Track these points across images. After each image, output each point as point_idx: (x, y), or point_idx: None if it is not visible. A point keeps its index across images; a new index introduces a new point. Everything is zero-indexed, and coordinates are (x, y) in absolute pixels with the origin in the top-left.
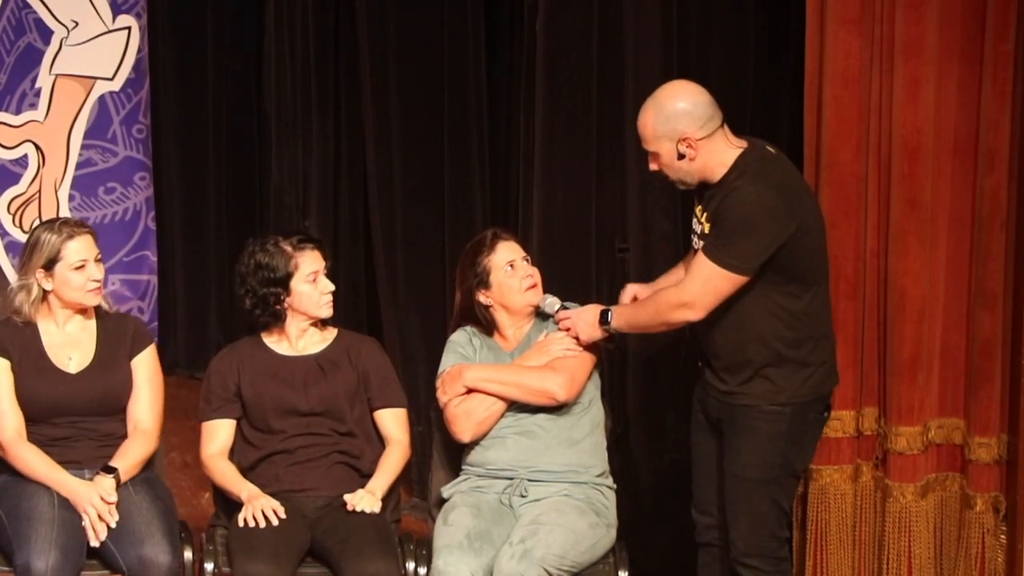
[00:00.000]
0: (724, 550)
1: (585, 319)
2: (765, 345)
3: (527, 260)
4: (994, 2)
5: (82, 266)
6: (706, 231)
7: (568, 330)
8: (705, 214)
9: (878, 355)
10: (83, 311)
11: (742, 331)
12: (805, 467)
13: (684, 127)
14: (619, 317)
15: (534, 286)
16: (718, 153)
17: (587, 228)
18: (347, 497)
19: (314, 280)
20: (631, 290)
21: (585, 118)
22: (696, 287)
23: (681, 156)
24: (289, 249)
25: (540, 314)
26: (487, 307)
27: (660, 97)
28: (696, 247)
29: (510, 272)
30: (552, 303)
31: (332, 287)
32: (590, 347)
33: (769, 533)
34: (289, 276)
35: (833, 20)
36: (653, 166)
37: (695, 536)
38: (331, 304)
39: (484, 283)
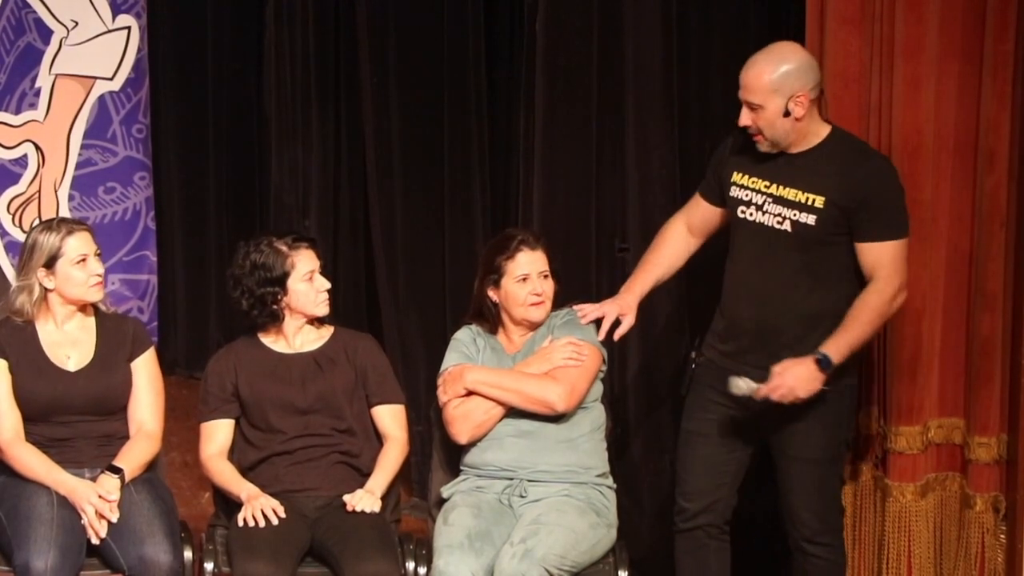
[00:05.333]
0: (712, 535)
1: (800, 375)
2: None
3: (545, 275)
4: (994, 2)
5: (83, 260)
6: (815, 204)
7: (784, 395)
8: (789, 189)
9: (878, 355)
10: (83, 309)
11: (830, 294)
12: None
13: (801, 85)
14: (839, 351)
15: (540, 303)
16: (815, 122)
17: (587, 228)
18: (346, 497)
19: (310, 279)
20: (613, 314)
21: (585, 117)
22: (898, 269)
23: (787, 114)
24: (284, 249)
25: (734, 398)
26: (495, 304)
27: (779, 51)
28: (749, 217)
29: (520, 283)
30: (748, 385)
31: (328, 285)
32: (593, 356)
33: (838, 508)
34: (286, 275)
35: (833, 20)
36: (747, 120)
37: (677, 523)
38: (327, 302)
39: (495, 282)
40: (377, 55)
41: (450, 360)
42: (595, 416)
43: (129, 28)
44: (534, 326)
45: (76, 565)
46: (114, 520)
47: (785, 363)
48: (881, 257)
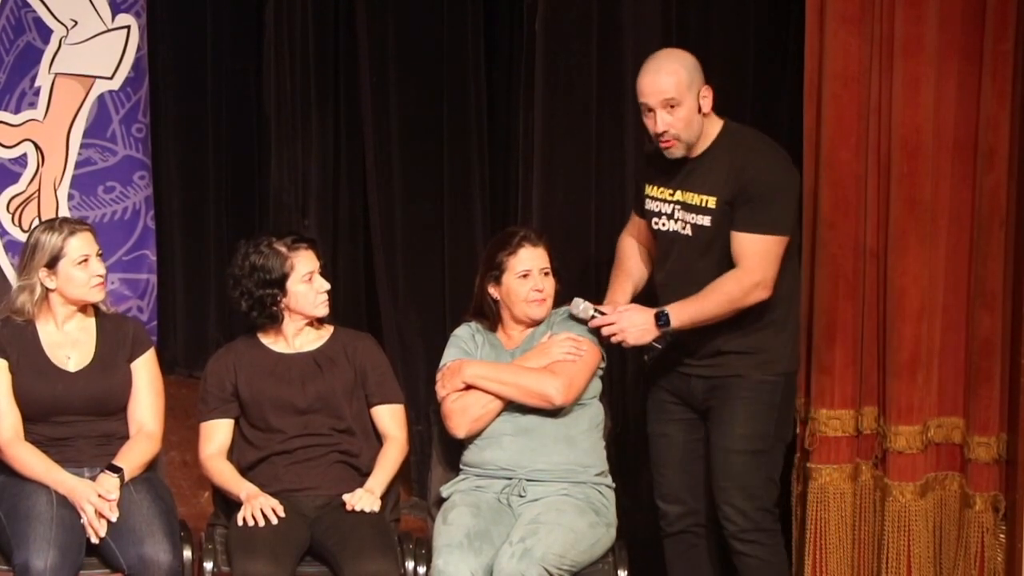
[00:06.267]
0: (700, 535)
1: (636, 322)
2: (777, 307)
3: (546, 272)
4: (993, 1)
5: (84, 261)
6: (708, 205)
7: (613, 335)
8: (689, 194)
9: (877, 354)
10: (83, 310)
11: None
12: (790, 437)
13: (702, 79)
14: (680, 315)
15: (541, 301)
16: (710, 118)
17: (586, 227)
18: (346, 497)
19: (309, 280)
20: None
21: (585, 117)
22: (761, 264)
23: (699, 109)
24: (284, 250)
25: (573, 318)
26: (496, 300)
27: (673, 54)
28: (662, 227)
29: (521, 280)
30: (586, 308)
31: (327, 286)
32: (592, 351)
33: (764, 507)
34: (285, 277)
35: (833, 19)
36: (665, 125)
37: (662, 527)
38: (327, 303)
39: (496, 279)
40: (377, 55)
41: (449, 356)
42: (593, 413)
43: (129, 27)
44: (534, 324)
45: (76, 564)
46: (113, 519)
47: (631, 306)
48: (745, 248)
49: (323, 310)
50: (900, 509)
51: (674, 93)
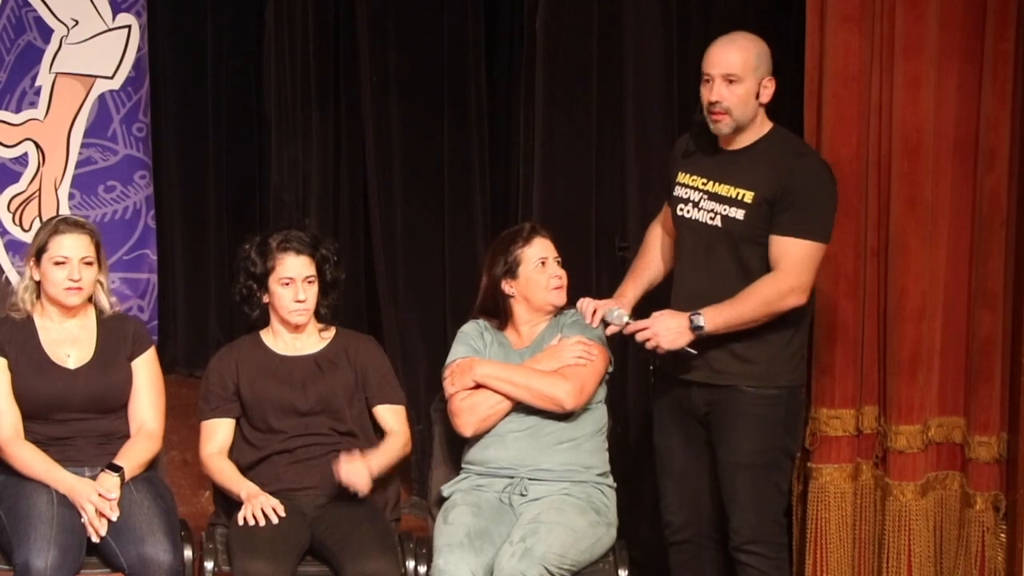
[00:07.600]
0: (703, 545)
1: (670, 326)
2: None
3: (558, 261)
4: (994, 1)
5: (63, 263)
6: (743, 199)
7: (647, 340)
8: (723, 185)
9: (878, 354)
10: (82, 308)
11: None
12: (799, 449)
13: (768, 69)
14: (714, 319)
15: (560, 288)
16: (762, 114)
17: (587, 226)
18: (339, 463)
19: (288, 284)
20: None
21: (585, 116)
22: (799, 269)
23: (756, 96)
24: (273, 247)
25: (606, 325)
26: (509, 297)
27: (749, 35)
28: (685, 215)
29: (540, 268)
30: (620, 315)
31: (304, 297)
32: (602, 356)
33: (773, 518)
34: (266, 274)
35: (833, 18)
36: (718, 96)
37: (666, 536)
38: (302, 312)
39: (512, 273)
40: (377, 55)
41: (457, 352)
42: (598, 417)
43: (129, 27)
44: (554, 311)
45: (76, 564)
46: (114, 518)
47: (664, 311)
48: (785, 253)
49: (296, 318)
50: (901, 508)
51: (737, 70)
